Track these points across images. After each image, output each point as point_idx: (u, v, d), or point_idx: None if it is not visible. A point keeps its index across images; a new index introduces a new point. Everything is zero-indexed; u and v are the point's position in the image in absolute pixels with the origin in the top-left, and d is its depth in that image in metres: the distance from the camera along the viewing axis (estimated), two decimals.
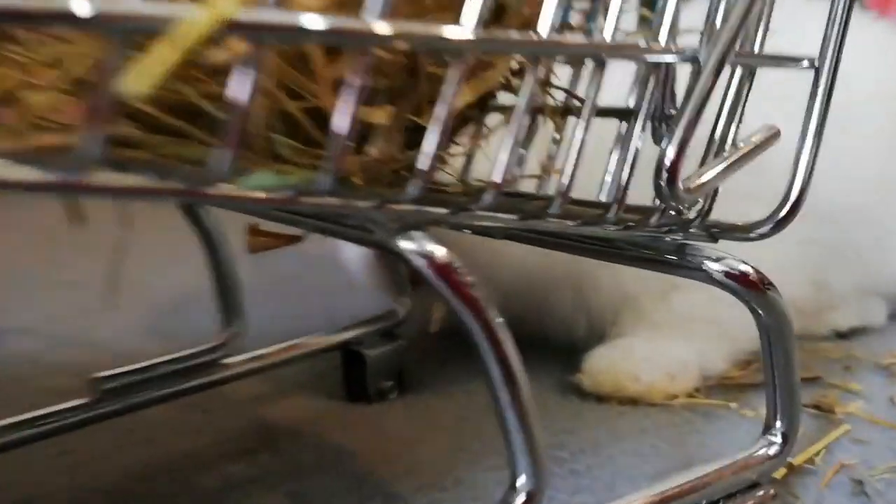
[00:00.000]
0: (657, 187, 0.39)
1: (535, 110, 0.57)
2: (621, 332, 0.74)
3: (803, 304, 0.76)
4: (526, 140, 0.58)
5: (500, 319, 0.38)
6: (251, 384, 0.72)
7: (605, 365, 0.71)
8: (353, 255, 0.78)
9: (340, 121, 0.29)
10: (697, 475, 0.48)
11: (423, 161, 0.33)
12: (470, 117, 0.49)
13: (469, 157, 0.49)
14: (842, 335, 0.84)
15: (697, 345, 0.73)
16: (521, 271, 0.72)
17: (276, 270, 1.03)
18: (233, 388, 0.70)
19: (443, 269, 0.37)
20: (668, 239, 0.49)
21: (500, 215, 0.39)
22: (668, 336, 0.73)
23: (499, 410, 0.39)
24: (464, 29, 0.32)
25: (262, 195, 0.29)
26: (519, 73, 0.49)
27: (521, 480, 0.39)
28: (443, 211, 0.37)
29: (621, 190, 0.41)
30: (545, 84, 0.53)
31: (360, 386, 0.71)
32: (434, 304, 0.47)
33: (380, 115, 0.33)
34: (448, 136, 0.40)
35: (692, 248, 0.49)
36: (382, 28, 0.29)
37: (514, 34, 0.37)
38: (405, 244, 0.36)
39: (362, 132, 0.36)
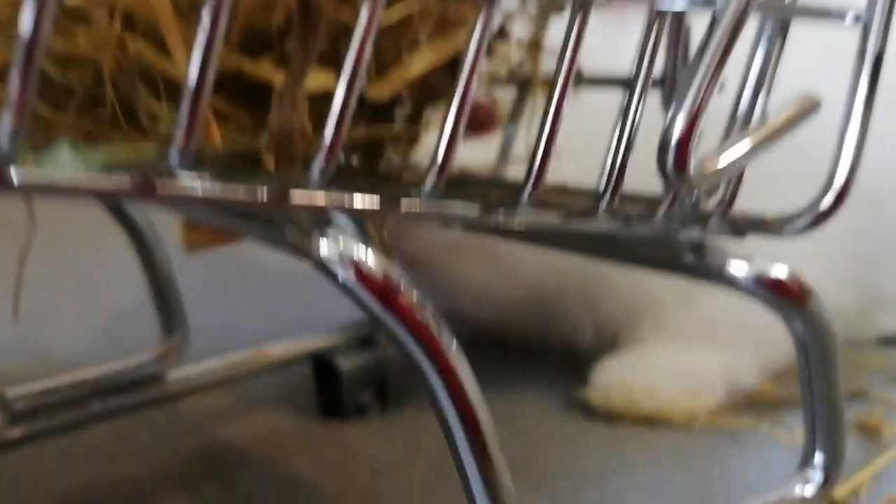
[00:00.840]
0: (661, 168, 0.30)
1: (521, 82, 0.48)
2: (636, 339, 0.65)
3: (845, 305, 0.66)
4: (513, 116, 0.50)
5: (457, 350, 0.29)
6: (210, 399, 0.64)
7: (616, 378, 0.61)
8: None
9: (192, 73, 0.21)
10: None
11: (330, 132, 0.24)
12: (437, 90, 0.40)
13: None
14: (889, 341, 0.74)
15: (724, 355, 0.63)
16: (514, 266, 0.63)
17: (232, 268, 0.94)
18: (189, 403, 0.62)
19: (378, 285, 0.28)
20: (682, 236, 0.39)
21: (450, 206, 0.30)
22: (691, 344, 0.63)
23: (460, 470, 0.30)
24: None
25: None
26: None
27: None
28: (373, 199, 0.28)
29: (615, 174, 0.32)
30: (533, 47, 0.44)
31: (334, 401, 0.62)
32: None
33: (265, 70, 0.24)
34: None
35: (713, 248, 0.39)
36: None
37: None
38: (323, 247, 0.28)
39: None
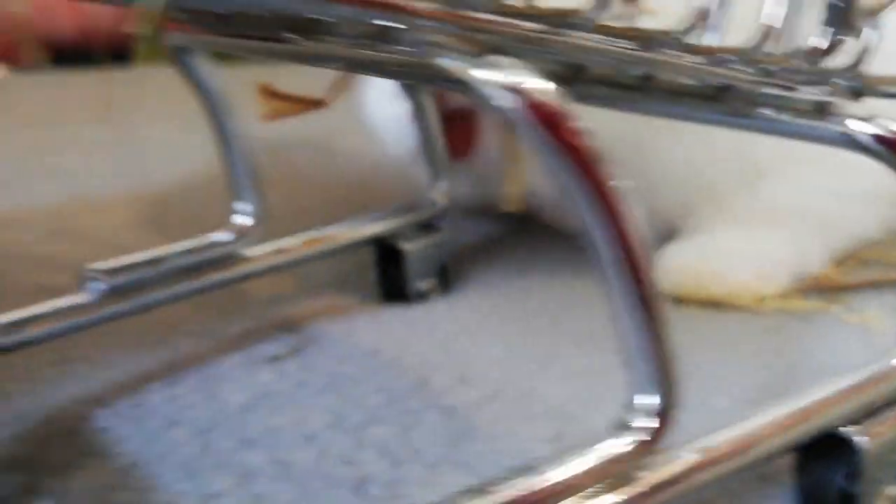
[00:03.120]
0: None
1: None
2: (698, 227, 0.64)
3: None
4: None
5: (619, 184, 0.28)
6: (268, 283, 0.63)
7: (683, 262, 0.61)
8: (387, 120, 0.67)
9: None
10: (835, 388, 0.39)
11: None
12: None
13: None
14: None
15: (789, 240, 0.62)
16: None
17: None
18: (248, 286, 0.61)
19: (543, 111, 0.26)
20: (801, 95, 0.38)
21: (611, 41, 0.28)
22: (754, 230, 0.63)
23: (616, 312, 0.29)
24: None
25: None
26: None
27: (646, 398, 0.30)
28: (535, 27, 0.27)
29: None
30: None
31: (398, 285, 0.62)
32: (508, 177, 0.37)
33: None
34: None
35: (834, 107, 0.38)
36: None
37: None
38: (484, 73, 0.26)
39: None
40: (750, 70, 0.33)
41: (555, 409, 0.47)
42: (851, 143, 0.38)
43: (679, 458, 0.34)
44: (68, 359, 0.53)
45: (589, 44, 0.28)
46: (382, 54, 0.29)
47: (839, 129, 0.38)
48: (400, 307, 0.61)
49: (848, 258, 0.64)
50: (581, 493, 0.31)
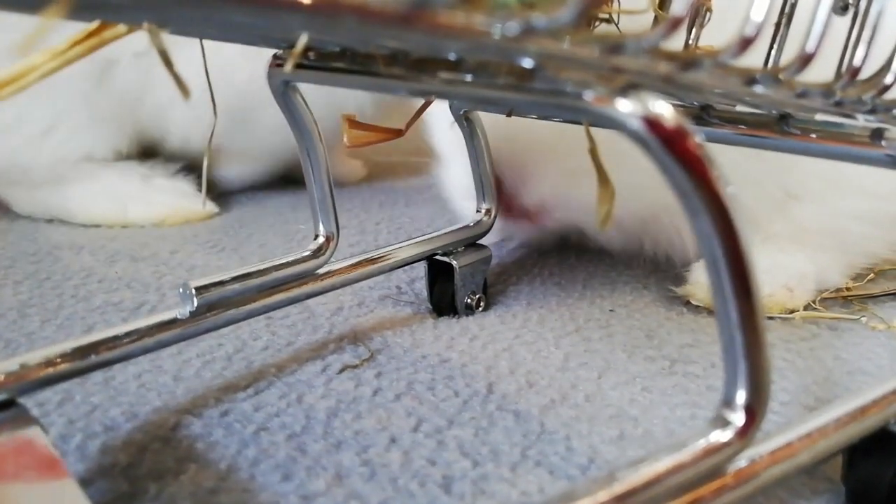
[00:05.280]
0: None
1: None
2: None
3: None
4: None
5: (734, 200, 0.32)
6: (326, 298, 0.67)
7: None
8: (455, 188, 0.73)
9: None
10: (886, 389, 0.43)
11: None
12: None
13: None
14: None
15: (815, 256, 0.67)
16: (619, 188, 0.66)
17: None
18: (310, 302, 0.64)
19: (671, 135, 0.30)
20: (860, 121, 0.42)
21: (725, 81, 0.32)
22: (785, 247, 0.67)
23: (721, 316, 0.33)
24: None
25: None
26: None
27: (741, 397, 0.34)
28: (668, 67, 0.30)
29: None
30: None
31: (448, 298, 0.65)
32: (601, 196, 0.40)
33: None
34: None
35: (890, 133, 0.43)
36: None
37: None
38: (624, 106, 0.30)
39: None
40: (827, 101, 0.37)
41: (616, 411, 0.51)
42: None
43: (763, 453, 0.37)
44: (148, 371, 0.55)
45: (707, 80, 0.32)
46: (516, 92, 0.33)
47: (893, 153, 0.42)
48: (453, 319, 0.64)
49: (864, 273, 0.69)
50: (683, 482, 0.34)
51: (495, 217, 0.68)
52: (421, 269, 0.66)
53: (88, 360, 0.46)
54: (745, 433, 0.36)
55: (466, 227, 0.66)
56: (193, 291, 0.49)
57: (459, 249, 0.66)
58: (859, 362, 0.57)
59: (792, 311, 0.64)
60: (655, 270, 0.74)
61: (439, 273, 0.65)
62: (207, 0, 0.25)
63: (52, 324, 0.63)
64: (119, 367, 0.54)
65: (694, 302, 0.65)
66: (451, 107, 0.62)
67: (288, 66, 0.41)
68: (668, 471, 0.33)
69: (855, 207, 0.67)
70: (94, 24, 0.36)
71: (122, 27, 0.36)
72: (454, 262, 0.65)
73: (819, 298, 0.66)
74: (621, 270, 0.75)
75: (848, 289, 0.68)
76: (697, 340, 0.60)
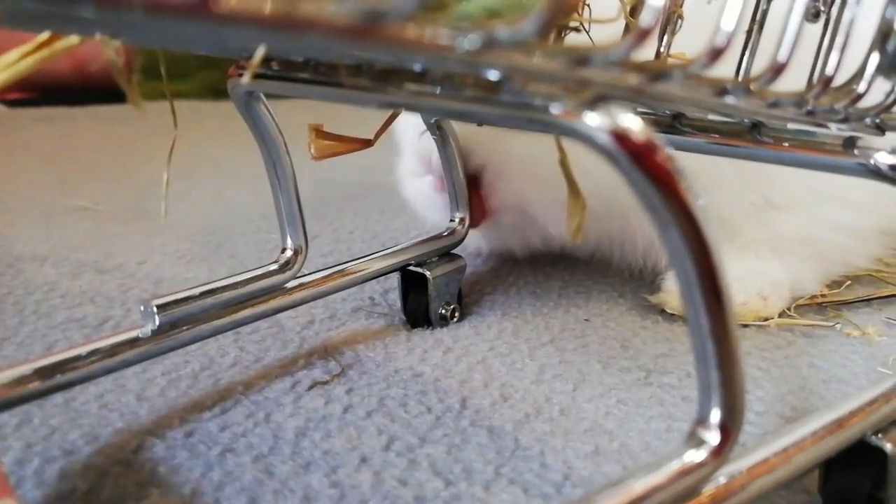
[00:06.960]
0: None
1: None
2: None
3: None
4: None
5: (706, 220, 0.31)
6: (297, 311, 0.65)
7: None
8: (416, 194, 0.72)
9: None
10: (863, 400, 0.42)
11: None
12: None
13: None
14: None
15: (791, 264, 0.67)
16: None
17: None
18: (282, 314, 0.63)
19: (640, 149, 0.29)
20: (833, 129, 0.42)
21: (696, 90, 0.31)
22: (762, 255, 0.67)
23: (694, 333, 0.32)
24: None
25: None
26: None
27: (715, 415, 0.33)
28: (637, 79, 0.29)
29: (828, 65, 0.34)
30: None
31: (422, 309, 0.64)
32: (571, 208, 0.39)
33: None
34: None
35: (862, 142, 0.42)
36: None
37: None
38: (592, 119, 0.29)
39: None
40: (799, 111, 0.36)
41: (591, 425, 0.50)
42: (872, 173, 0.42)
43: (740, 470, 0.36)
44: (110, 390, 0.53)
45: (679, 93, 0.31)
46: (483, 105, 0.31)
47: (865, 161, 0.42)
48: (427, 331, 0.63)
49: (839, 282, 0.69)
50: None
51: (469, 227, 0.67)
52: (395, 278, 0.65)
53: (49, 381, 0.44)
54: (720, 452, 0.35)
55: (440, 236, 0.65)
56: (155, 309, 0.48)
57: (433, 259, 0.65)
58: (834, 370, 0.56)
59: (766, 319, 0.63)
60: (631, 279, 0.73)
61: (413, 284, 0.64)
62: (157, 12, 0.24)
63: (11, 342, 0.61)
64: (80, 387, 0.52)
65: (668, 310, 0.65)
66: (422, 115, 0.61)
67: (246, 78, 0.40)
68: (644, 493, 0.32)
69: (835, 218, 0.67)
70: (45, 35, 0.35)
71: (74, 38, 0.34)
72: (428, 273, 0.63)
73: (794, 306, 0.66)
74: (597, 279, 0.74)
75: (823, 295, 0.67)
76: (673, 350, 0.59)
